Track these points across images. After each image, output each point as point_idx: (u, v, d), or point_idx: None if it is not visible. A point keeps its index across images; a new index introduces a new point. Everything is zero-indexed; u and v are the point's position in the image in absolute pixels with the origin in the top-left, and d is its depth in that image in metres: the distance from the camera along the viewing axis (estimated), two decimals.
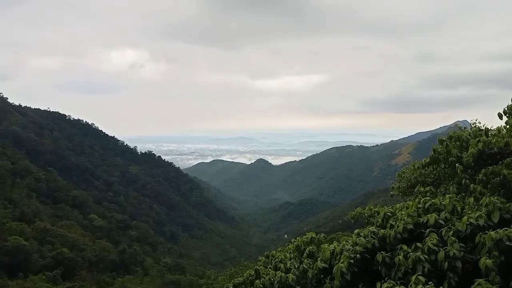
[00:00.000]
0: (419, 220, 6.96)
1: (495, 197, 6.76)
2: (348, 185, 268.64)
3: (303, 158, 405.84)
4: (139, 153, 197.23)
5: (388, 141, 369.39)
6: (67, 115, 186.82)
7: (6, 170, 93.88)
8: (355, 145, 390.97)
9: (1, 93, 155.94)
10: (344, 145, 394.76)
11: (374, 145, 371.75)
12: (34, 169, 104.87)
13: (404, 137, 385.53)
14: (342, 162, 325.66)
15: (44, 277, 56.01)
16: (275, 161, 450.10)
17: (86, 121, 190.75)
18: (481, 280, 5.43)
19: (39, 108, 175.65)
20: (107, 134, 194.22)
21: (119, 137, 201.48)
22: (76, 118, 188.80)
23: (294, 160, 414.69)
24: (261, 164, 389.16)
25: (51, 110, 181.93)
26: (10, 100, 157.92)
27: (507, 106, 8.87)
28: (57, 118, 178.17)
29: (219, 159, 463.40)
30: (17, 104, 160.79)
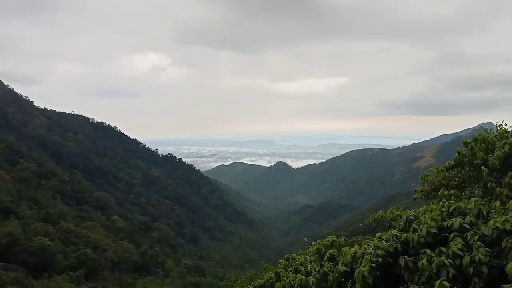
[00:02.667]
0: (443, 224, 6.83)
1: None
2: (369, 189, 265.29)
3: (324, 161, 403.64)
4: (160, 156, 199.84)
5: (410, 144, 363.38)
6: (90, 118, 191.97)
7: (32, 172, 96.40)
8: (376, 147, 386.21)
9: (27, 97, 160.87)
10: (365, 148, 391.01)
11: (396, 147, 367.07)
12: (58, 171, 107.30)
13: (427, 140, 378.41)
14: (363, 165, 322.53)
15: (68, 277, 56.94)
16: (295, 163, 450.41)
17: (109, 124, 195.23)
18: (508, 286, 5.29)
19: (63, 112, 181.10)
20: (129, 137, 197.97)
21: (140, 139, 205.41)
22: (99, 121, 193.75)
23: (314, 163, 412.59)
24: (281, 166, 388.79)
25: (75, 114, 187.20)
26: (36, 104, 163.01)
27: None
28: (81, 121, 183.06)
29: (239, 161, 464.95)
30: (43, 108, 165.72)
